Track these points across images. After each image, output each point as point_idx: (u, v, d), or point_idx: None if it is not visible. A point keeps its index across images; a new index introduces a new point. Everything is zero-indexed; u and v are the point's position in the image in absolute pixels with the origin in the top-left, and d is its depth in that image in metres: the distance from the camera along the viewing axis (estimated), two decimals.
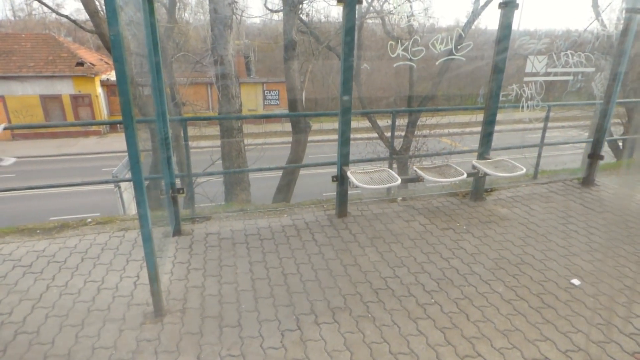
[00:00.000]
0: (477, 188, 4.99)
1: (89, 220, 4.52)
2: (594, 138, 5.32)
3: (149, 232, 2.67)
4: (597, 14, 9.22)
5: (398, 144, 12.44)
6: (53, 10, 12.41)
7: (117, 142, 28.17)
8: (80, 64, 27.40)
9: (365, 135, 13.17)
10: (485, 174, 4.42)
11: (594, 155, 5.36)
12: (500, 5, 4.33)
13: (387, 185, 3.91)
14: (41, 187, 4.51)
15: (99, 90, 28.71)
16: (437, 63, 4.37)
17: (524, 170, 4.31)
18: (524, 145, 5.67)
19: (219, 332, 2.79)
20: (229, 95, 8.03)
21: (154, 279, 2.83)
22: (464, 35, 4.39)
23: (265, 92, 32.29)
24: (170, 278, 3.41)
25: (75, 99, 28.03)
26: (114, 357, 2.57)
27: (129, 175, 11.54)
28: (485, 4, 12.39)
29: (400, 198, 5.11)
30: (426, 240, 4.07)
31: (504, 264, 3.67)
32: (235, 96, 8.10)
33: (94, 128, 29.13)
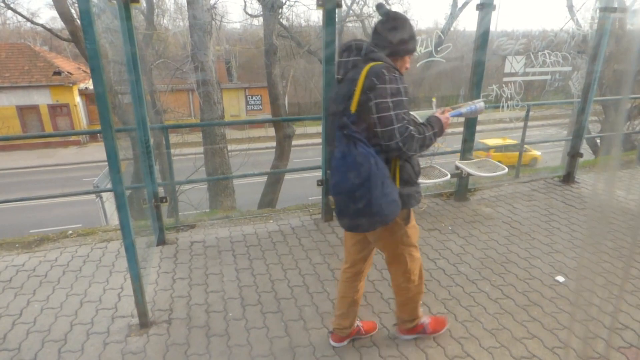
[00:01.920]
0: (461, 188, 5.03)
1: (70, 232, 4.43)
2: (573, 136, 5.42)
3: (132, 242, 2.62)
4: (572, 14, 9.42)
5: None
6: (27, 19, 12.24)
7: (98, 151, 27.72)
8: (58, 73, 26.94)
9: None
10: (469, 174, 4.46)
11: (573, 153, 5.46)
12: (478, 7, 4.39)
13: None
14: (18, 200, 4.40)
15: (78, 99, 28.27)
16: (417, 65, 4.40)
17: (506, 169, 4.35)
18: (505, 145, 5.74)
19: (207, 342, 2.75)
20: (211, 101, 7.97)
21: (138, 290, 2.77)
22: (443, 37, 4.43)
23: (248, 97, 32.18)
24: (155, 288, 3.35)
25: (53, 108, 27.54)
26: None
27: (110, 185, 11.38)
28: (463, 6, 12.58)
29: None
30: None
31: (489, 263, 3.70)
32: (217, 102, 8.04)
33: (73, 138, 28.63)
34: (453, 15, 12.45)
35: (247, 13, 17.26)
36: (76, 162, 24.99)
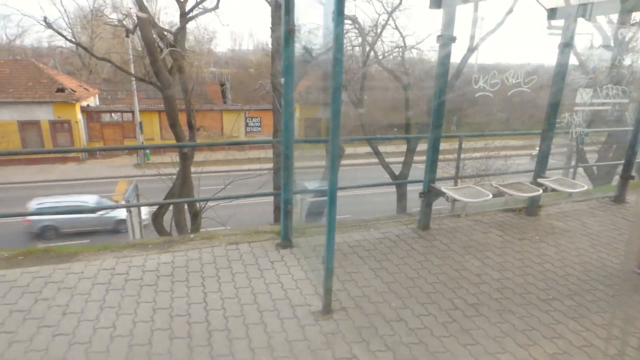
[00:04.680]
0: (533, 204, 5.60)
1: (192, 236, 4.80)
2: (625, 160, 6.08)
3: (333, 237, 3.07)
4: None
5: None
6: (66, 38, 12.50)
7: (97, 168, 27.69)
8: (61, 89, 27.01)
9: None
10: (553, 190, 5.03)
11: (625, 176, 6.11)
12: (559, 46, 5.05)
13: (482, 199, 4.44)
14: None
15: (79, 116, 28.28)
16: (508, 94, 5.00)
17: (585, 186, 4.94)
18: (569, 166, 6.36)
19: (389, 326, 3.18)
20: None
21: (329, 280, 3.20)
22: (530, 71, 5.05)
23: (247, 119, 32.65)
24: (311, 283, 3.76)
25: (54, 124, 27.47)
26: (311, 345, 2.91)
27: (135, 200, 11.62)
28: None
29: (463, 214, 5.64)
30: (511, 249, 4.60)
31: (590, 267, 4.23)
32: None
33: (72, 154, 28.50)
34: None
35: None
36: (81, 178, 24.84)
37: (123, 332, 3.02)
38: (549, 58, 5.56)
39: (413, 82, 15.27)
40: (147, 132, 29.69)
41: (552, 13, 5.22)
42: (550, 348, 3.02)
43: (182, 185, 10.21)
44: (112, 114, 30.33)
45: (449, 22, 4.40)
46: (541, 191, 4.77)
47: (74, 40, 12.84)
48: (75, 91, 27.88)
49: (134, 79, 20.31)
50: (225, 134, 32.52)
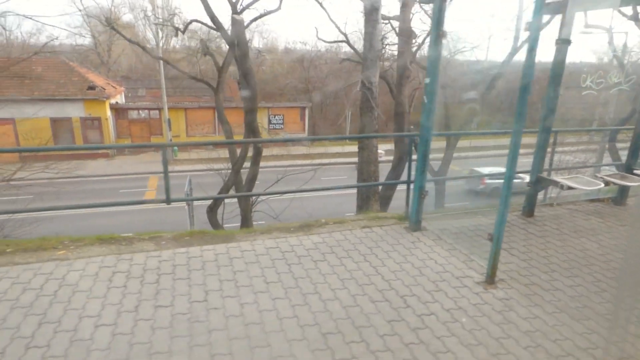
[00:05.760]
0: (622, 194, 6.06)
1: (323, 220, 5.29)
2: None
3: (505, 214, 3.55)
4: None
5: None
6: (131, 41, 13.00)
7: (126, 164, 28.28)
8: (92, 87, 27.58)
9: None
10: None
11: None
12: None
13: (595, 188, 4.91)
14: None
15: (109, 113, 28.85)
16: (610, 92, 5.47)
17: None
18: None
19: (551, 296, 3.66)
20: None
21: (497, 252, 3.68)
22: (631, 71, 5.50)
23: (270, 116, 33.15)
24: (454, 259, 4.24)
25: (85, 121, 28.06)
26: (494, 308, 3.40)
27: (191, 194, 12.14)
28: None
29: (555, 203, 6.11)
30: (617, 233, 5.07)
31: None
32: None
33: (101, 151, 29.12)
34: None
35: None
36: (130, 173, 25.52)
37: (329, 296, 3.52)
38: None
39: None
40: (174, 129, 30.23)
41: None
42: None
43: (252, 179, 10.70)
44: (140, 111, 30.88)
45: (565, 26, 4.86)
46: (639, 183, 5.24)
47: (133, 40, 13.30)
48: (105, 89, 28.46)
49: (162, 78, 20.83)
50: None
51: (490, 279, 3.79)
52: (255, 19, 11.24)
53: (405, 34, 9.74)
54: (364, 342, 2.99)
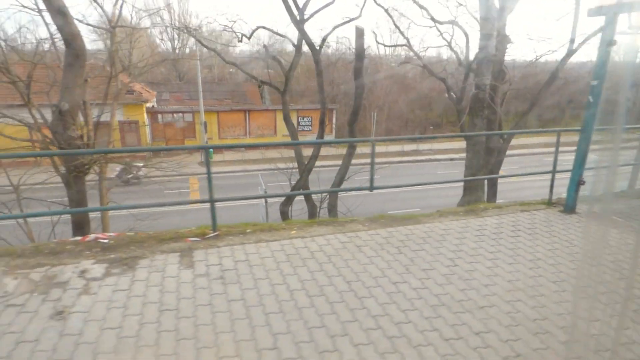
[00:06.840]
0: None
1: (482, 206, 6.01)
2: None
3: None
4: None
5: None
6: (206, 46, 13.72)
7: (164, 167, 29.01)
8: (130, 92, 28.34)
9: None
10: None
11: None
12: None
13: None
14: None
15: (145, 116, 29.62)
16: None
17: None
18: None
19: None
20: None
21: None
22: None
23: (299, 118, 33.89)
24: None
25: (123, 125, 28.80)
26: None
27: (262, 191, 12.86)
28: None
29: None
30: None
31: None
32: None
33: (139, 154, 29.87)
34: None
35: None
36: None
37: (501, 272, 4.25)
38: None
39: None
40: (207, 132, 30.98)
41: None
42: None
43: (343, 175, 11.45)
44: (174, 115, 31.65)
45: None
46: None
47: (209, 47, 14.05)
48: (142, 93, 29.23)
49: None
50: (278, 132, 33.94)
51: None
52: (337, 27, 11.95)
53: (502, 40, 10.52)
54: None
